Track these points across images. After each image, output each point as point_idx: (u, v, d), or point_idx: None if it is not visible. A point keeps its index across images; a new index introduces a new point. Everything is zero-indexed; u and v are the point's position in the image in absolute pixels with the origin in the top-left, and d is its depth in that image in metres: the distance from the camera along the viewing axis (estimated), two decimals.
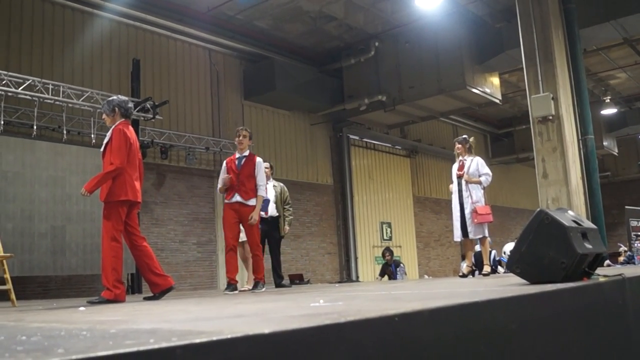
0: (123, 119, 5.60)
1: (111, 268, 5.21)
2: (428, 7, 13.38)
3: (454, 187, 7.81)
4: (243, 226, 6.91)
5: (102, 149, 5.53)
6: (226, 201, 6.96)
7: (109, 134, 5.50)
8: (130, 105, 5.81)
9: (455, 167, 7.93)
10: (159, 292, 5.58)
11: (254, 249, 6.95)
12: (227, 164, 7.11)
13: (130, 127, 5.65)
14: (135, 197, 5.47)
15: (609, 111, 20.76)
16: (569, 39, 10.36)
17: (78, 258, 9.85)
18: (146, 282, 5.80)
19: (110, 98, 5.77)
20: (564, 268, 3.29)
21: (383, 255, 13.71)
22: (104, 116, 5.74)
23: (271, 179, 8.79)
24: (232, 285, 6.69)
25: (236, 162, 7.00)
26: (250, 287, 7.20)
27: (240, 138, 7.10)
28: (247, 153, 7.05)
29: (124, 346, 1.19)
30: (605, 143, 20.93)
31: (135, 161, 5.56)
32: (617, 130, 21.98)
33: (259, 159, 7.06)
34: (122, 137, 5.40)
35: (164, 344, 1.19)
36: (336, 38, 15.25)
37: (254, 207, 6.83)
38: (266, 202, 8.32)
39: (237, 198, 6.83)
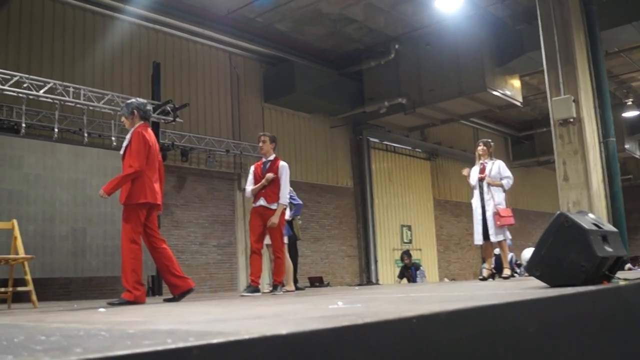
0: (142, 122, 5.63)
1: (131, 270, 5.25)
2: (448, 10, 13.34)
3: (475, 191, 7.77)
4: (267, 229, 6.97)
5: (121, 152, 5.57)
6: (252, 205, 7.07)
7: (128, 137, 5.54)
8: (149, 107, 5.84)
9: (475, 169, 7.88)
10: (179, 294, 5.61)
11: (276, 252, 7.00)
12: (254, 169, 7.21)
13: (150, 130, 5.68)
14: (155, 200, 5.49)
15: (630, 114, 20.48)
16: (590, 40, 10.26)
17: (99, 260, 9.94)
18: (166, 284, 5.83)
19: (129, 101, 5.81)
20: (584, 271, 3.25)
21: (402, 259, 13.66)
22: (122, 119, 5.78)
23: None
24: (251, 287, 6.72)
25: (262, 167, 7.10)
26: (292, 289, 7.25)
27: (260, 144, 7.22)
28: (272, 157, 7.13)
29: (141, 346, 1.20)
30: (627, 146, 20.66)
31: (154, 164, 5.58)
32: (639, 133, 21.68)
33: (282, 163, 7.09)
34: (141, 140, 5.43)
35: (181, 344, 1.20)
36: (356, 40, 15.25)
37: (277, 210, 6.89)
38: (298, 206, 8.39)
39: (261, 202, 6.93)
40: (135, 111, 5.63)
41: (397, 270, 17.38)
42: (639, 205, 20.30)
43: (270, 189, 6.93)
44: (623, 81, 19.11)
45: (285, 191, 7.01)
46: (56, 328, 2.14)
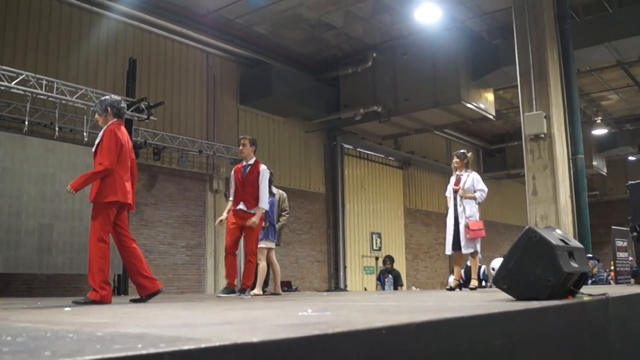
0: (115, 119, 5.57)
1: (97, 269, 5.18)
2: (427, 21, 13.48)
3: (450, 202, 7.83)
4: (244, 232, 6.95)
5: (93, 149, 5.50)
6: (232, 208, 7.05)
7: (100, 134, 5.48)
8: (123, 105, 5.78)
9: (452, 180, 7.95)
10: (146, 295, 5.56)
11: (248, 255, 6.95)
12: (234, 172, 7.20)
13: (123, 128, 5.61)
14: (125, 199, 5.42)
15: (599, 132, 20.94)
16: (563, 58, 10.47)
17: (65, 257, 9.79)
18: (134, 284, 5.77)
19: (103, 97, 5.75)
20: (550, 286, 3.31)
21: (384, 262, 13.62)
22: (96, 116, 5.71)
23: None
24: (228, 289, 6.77)
25: (242, 171, 7.09)
26: (259, 293, 7.24)
27: (240, 147, 7.22)
28: (252, 161, 7.11)
29: (111, 350, 1.19)
30: (594, 163, 21.10)
31: (126, 162, 5.52)
32: (607, 151, 22.19)
33: (262, 167, 7.09)
34: (113, 138, 5.37)
35: (152, 350, 1.19)
36: (334, 47, 15.30)
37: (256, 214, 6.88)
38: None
39: (241, 206, 6.94)
40: (109, 108, 5.56)
41: (366, 277, 17.50)
42: (604, 221, 20.66)
43: (250, 193, 6.92)
44: (593, 99, 19.50)
45: (265, 196, 7.00)
46: (22, 328, 2.11)
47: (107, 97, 5.76)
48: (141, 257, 5.59)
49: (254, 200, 6.91)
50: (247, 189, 6.94)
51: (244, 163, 7.15)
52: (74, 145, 10.33)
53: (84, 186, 5.34)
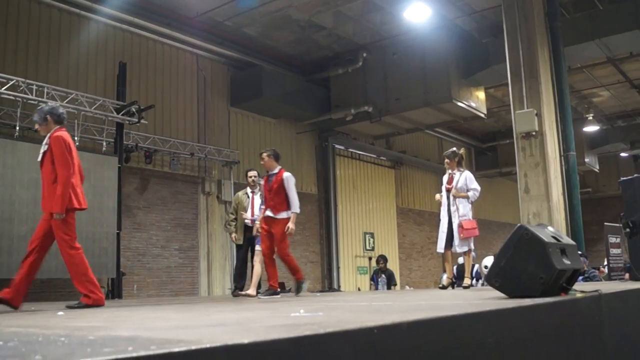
0: (57, 126, 5.51)
1: (80, 275, 5.20)
2: (417, 20, 13.51)
3: (443, 200, 7.80)
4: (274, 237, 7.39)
5: (39, 159, 5.44)
6: (262, 215, 7.55)
7: (45, 143, 5.41)
8: (62, 110, 5.69)
9: (444, 179, 7.93)
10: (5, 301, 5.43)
11: (281, 257, 7.49)
12: (263, 182, 7.71)
13: (66, 132, 5.54)
14: (80, 205, 5.42)
15: (591, 128, 20.99)
16: (554, 56, 10.51)
17: (58, 261, 9.60)
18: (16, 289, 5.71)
19: (39, 107, 5.71)
20: (542, 283, 3.32)
21: (377, 262, 13.66)
22: (36, 126, 5.60)
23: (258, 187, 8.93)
24: (270, 290, 7.29)
25: (267, 180, 7.54)
26: (253, 294, 7.54)
27: (261, 162, 7.68)
28: (276, 170, 7.50)
29: (102, 354, 1.19)
30: (586, 160, 21.17)
31: (75, 167, 5.50)
32: (599, 148, 22.24)
33: (285, 174, 7.47)
34: (62, 145, 5.31)
35: (142, 352, 1.19)
36: (325, 47, 15.31)
37: (282, 219, 7.35)
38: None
39: (268, 212, 7.40)
40: (49, 116, 5.48)
41: (359, 277, 17.49)
42: (597, 218, 20.76)
43: (276, 200, 7.34)
44: (584, 96, 19.56)
45: (295, 200, 7.48)
46: (13, 333, 2.10)
47: (44, 105, 5.71)
48: (36, 269, 5.51)
49: (280, 206, 7.36)
50: (274, 197, 7.36)
51: (269, 172, 7.54)
52: None
53: (65, 203, 5.30)
